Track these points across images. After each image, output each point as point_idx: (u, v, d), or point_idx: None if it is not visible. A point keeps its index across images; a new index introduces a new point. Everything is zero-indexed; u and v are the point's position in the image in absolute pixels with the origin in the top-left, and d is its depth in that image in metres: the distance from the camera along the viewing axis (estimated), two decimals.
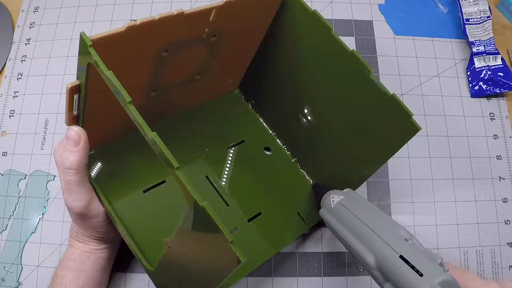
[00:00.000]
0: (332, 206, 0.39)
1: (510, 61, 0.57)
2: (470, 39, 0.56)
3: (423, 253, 0.31)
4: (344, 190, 0.40)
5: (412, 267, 0.30)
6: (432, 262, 0.30)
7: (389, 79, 0.55)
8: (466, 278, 0.33)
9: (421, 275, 0.29)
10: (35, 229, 0.48)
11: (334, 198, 0.39)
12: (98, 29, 0.57)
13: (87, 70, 0.30)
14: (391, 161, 0.49)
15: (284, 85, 0.47)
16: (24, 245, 0.47)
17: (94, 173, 0.41)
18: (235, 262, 0.25)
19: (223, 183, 0.46)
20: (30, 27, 0.58)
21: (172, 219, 0.32)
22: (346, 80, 0.40)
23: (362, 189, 0.50)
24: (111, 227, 0.39)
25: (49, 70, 0.55)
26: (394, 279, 0.31)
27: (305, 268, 0.47)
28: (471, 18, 0.56)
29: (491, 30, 0.56)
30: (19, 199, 0.49)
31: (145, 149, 0.30)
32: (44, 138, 0.52)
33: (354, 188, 0.44)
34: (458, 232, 0.49)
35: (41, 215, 0.49)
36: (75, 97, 0.33)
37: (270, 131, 0.50)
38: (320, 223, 0.48)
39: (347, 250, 0.38)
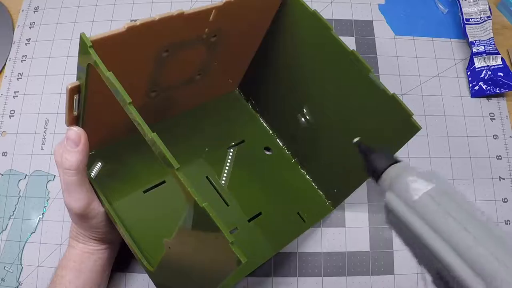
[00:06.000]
0: (416, 198, 0.25)
1: (510, 61, 0.57)
2: (470, 39, 0.56)
3: None
4: (430, 172, 0.26)
5: None
6: None
7: (389, 79, 0.55)
8: None
9: None
10: (35, 229, 0.48)
11: (415, 184, 0.25)
12: (98, 29, 0.57)
13: (87, 71, 0.30)
14: None
15: (284, 85, 0.46)
16: (24, 245, 0.47)
17: (94, 173, 0.41)
18: (235, 262, 0.25)
19: (223, 183, 0.46)
20: (30, 27, 0.58)
21: (172, 219, 0.32)
22: (346, 80, 0.40)
23: (362, 189, 0.50)
24: (111, 227, 0.39)
25: (49, 70, 0.55)
26: None
27: (305, 268, 0.47)
28: (471, 18, 0.56)
29: (491, 30, 0.56)
30: (19, 199, 0.49)
31: (145, 149, 0.30)
32: (44, 138, 0.52)
33: (354, 189, 0.44)
34: None
35: (41, 215, 0.49)
36: (75, 97, 0.33)
37: (270, 131, 0.50)
38: (321, 223, 0.48)
39: (420, 262, 0.25)
